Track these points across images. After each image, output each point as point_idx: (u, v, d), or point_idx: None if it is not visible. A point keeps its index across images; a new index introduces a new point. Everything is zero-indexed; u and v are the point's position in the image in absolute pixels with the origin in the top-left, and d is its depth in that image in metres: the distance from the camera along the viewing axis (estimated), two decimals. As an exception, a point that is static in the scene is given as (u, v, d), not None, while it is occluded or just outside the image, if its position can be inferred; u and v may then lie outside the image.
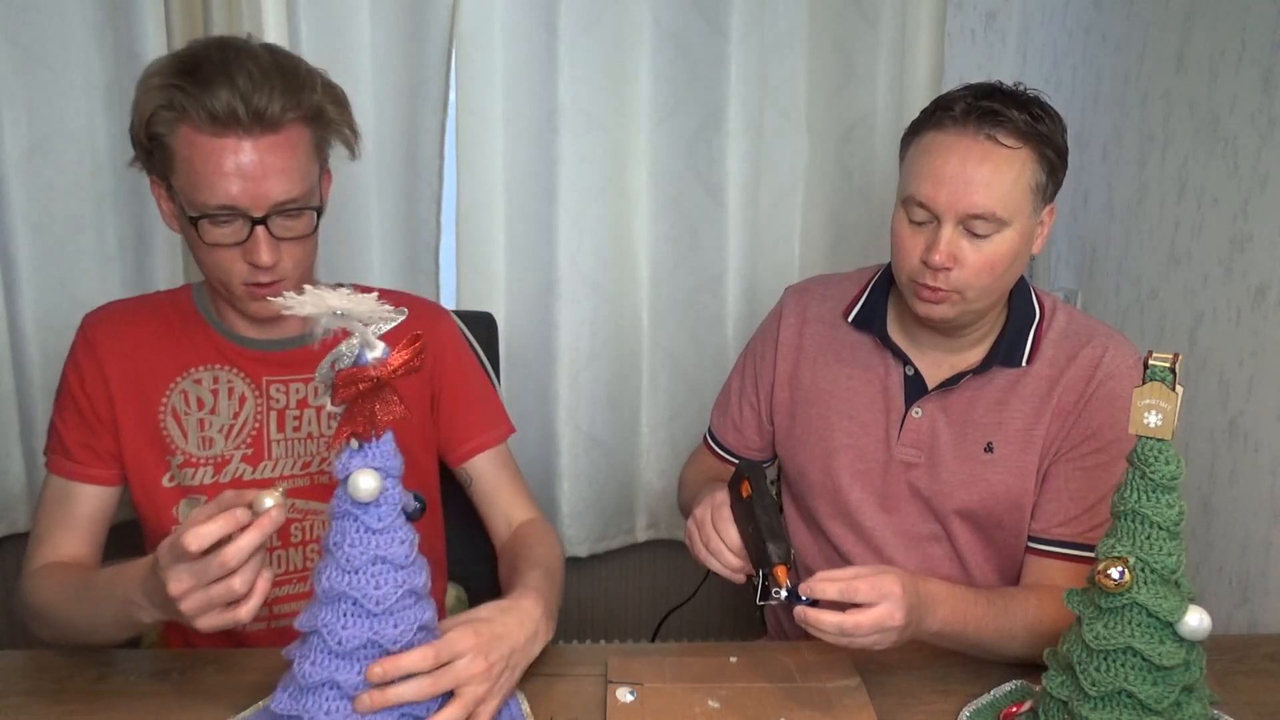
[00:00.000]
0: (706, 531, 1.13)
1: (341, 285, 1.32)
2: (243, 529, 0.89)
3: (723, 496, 1.15)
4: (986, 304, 1.18)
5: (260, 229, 1.10)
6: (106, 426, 1.21)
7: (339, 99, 1.17)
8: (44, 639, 1.16)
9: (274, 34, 1.77)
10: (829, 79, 1.88)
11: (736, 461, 1.41)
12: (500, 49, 1.84)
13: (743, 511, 1.11)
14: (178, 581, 0.90)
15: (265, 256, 1.11)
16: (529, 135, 1.86)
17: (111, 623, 1.06)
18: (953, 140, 1.12)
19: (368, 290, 1.31)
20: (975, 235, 1.12)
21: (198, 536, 0.87)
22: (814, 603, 1.00)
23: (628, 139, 1.87)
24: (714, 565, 1.13)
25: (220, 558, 0.89)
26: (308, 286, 0.81)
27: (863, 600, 0.99)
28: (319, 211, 1.16)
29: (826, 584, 1.00)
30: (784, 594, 1.02)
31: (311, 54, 1.76)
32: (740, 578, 1.12)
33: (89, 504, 1.22)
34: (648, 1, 1.82)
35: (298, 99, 1.10)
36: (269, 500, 0.89)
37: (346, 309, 0.79)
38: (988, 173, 1.10)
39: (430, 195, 1.84)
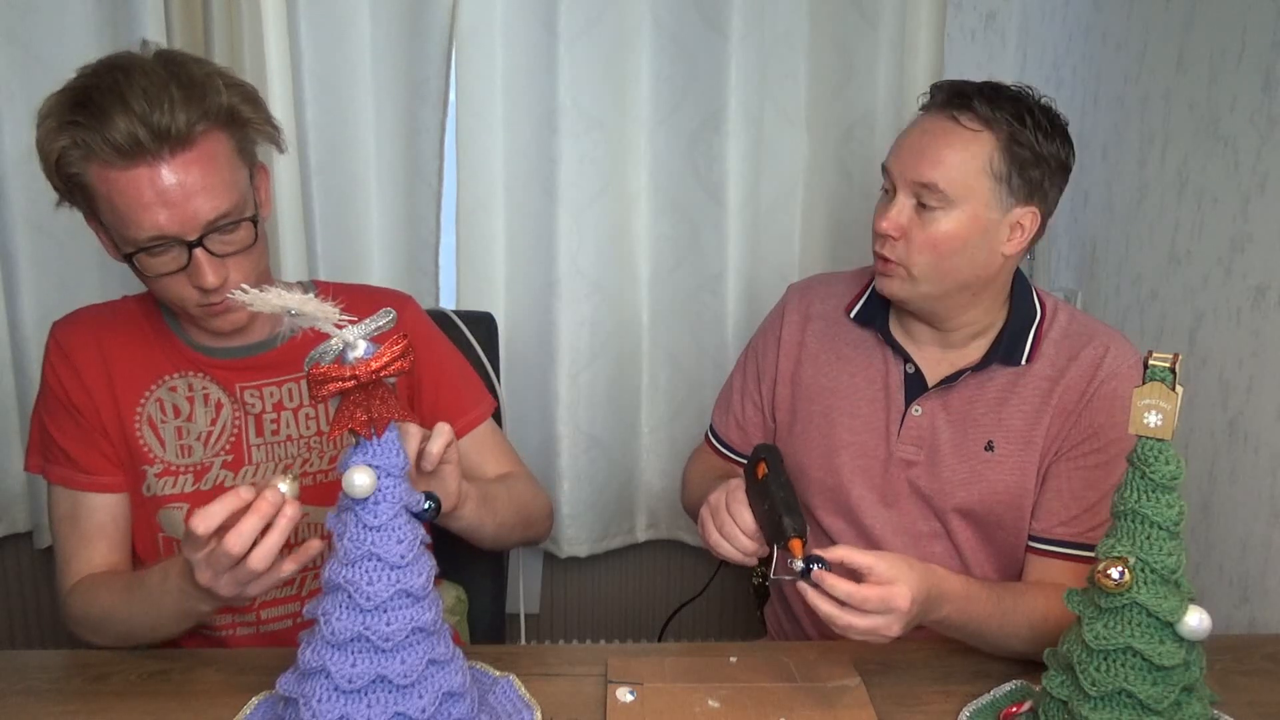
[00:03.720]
0: (720, 516, 1.13)
1: (300, 283, 1.30)
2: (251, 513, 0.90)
3: (737, 481, 1.15)
4: (937, 290, 1.19)
5: (199, 251, 1.05)
6: (99, 429, 1.18)
7: (250, 95, 1.10)
8: (97, 645, 1.15)
9: (274, 34, 1.77)
10: (829, 79, 1.88)
11: (739, 459, 1.41)
12: (500, 49, 1.84)
13: (758, 492, 1.11)
14: (201, 573, 0.93)
15: (210, 279, 1.06)
16: (529, 135, 1.86)
17: (172, 617, 1.05)
18: (921, 117, 1.20)
19: (327, 286, 1.27)
20: (925, 208, 1.16)
21: (203, 517, 0.89)
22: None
23: (628, 139, 1.87)
24: (725, 549, 1.12)
25: (224, 547, 0.89)
26: (266, 286, 0.79)
27: (868, 609, 0.99)
28: (255, 219, 1.10)
29: (838, 581, 0.99)
30: (798, 566, 1.01)
31: (311, 54, 1.76)
32: (753, 561, 1.12)
33: (108, 511, 1.19)
34: (648, 2, 1.82)
35: (202, 107, 1.03)
36: (283, 487, 0.91)
37: (300, 309, 0.79)
38: (940, 146, 1.15)
39: (430, 195, 1.84)
